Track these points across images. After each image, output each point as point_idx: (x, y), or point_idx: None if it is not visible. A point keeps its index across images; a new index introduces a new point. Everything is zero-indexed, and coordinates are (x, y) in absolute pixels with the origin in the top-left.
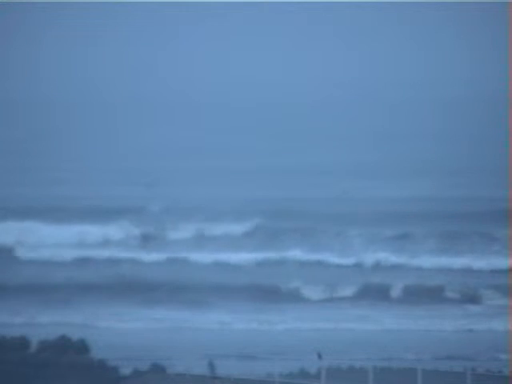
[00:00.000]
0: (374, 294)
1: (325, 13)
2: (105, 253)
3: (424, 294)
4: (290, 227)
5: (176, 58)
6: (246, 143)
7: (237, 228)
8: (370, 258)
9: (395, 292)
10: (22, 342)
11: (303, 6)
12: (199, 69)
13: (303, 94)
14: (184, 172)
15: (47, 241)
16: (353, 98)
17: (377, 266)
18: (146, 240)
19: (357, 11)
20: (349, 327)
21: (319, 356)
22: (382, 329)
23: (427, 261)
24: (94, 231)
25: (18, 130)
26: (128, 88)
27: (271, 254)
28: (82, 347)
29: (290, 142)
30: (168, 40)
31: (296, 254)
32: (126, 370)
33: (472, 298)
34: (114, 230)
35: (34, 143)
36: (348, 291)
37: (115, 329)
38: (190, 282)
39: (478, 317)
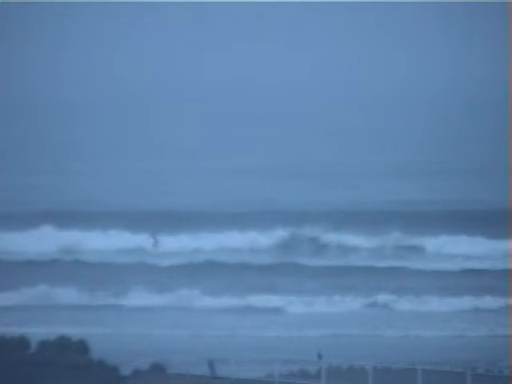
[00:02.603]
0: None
1: (326, 13)
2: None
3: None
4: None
5: (176, 58)
6: (245, 144)
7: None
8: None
9: None
10: (22, 342)
11: (304, 6)
12: (201, 69)
13: (304, 94)
14: (189, 172)
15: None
16: (353, 98)
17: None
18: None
19: (356, 11)
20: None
21: (319, 356)
22: None
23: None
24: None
25: (15, 131)
26: (127, 88)
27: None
28: (81, 347)
29: (291, 142)
30: (167, 40)
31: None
32: (125, 370)
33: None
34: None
35: (33, 144)
36: None
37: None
38: None
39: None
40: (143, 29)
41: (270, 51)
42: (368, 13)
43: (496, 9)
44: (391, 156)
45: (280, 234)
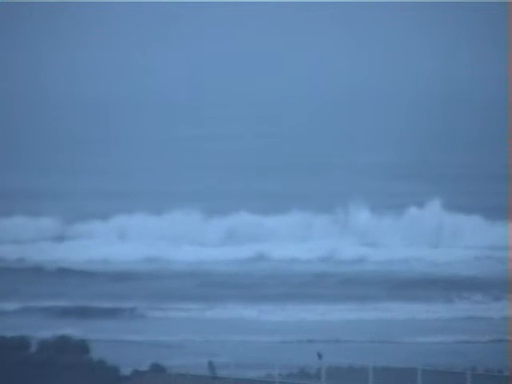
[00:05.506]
0: None
1: (329, 13)
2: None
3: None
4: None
5: (177, 57)
6: (245, 144)
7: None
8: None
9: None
10: (22, 342)
11: (307, 6)
12: (203, 69)
13: (305, 93)
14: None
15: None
16: (352, 98)
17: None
18: None
19: (356, 11)
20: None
21: (319, 356)
22: None
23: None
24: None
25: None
26: (124, 88)
27: None
28: (82, 347)
29: (291, 142)
30: (165, 40)
31: None
32: (126, 370)
33: None
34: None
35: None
36: None
37: None
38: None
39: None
40: (144, 29)
41: (268, 51)
42: (369, 13)
43: (496, 9)
44: (387, 157)
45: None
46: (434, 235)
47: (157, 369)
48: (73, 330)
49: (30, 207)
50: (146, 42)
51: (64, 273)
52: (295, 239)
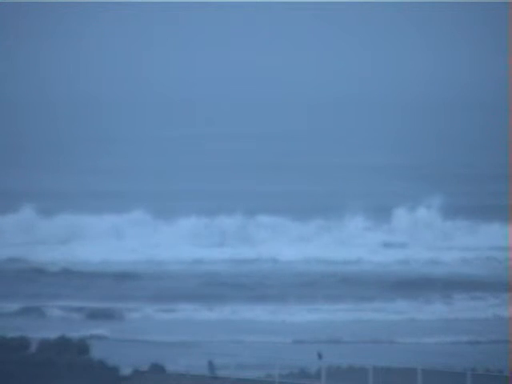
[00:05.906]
0: None
1: (329, 13)
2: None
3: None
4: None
5: (174, 58)
6: (245, 144)
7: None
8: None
9: None
10: (22, 342)
11: (307, 6)
12: (203, 69)
13: (305, 93)
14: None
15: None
16: (352, 99)
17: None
18: None
19: (356, 12)
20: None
21: (319, 356)
22: None
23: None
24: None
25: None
26: (124, 88)
27: None
28: (81, 347)
29: (292, 142)
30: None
31: None
32: (126, 370)
33: None
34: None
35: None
36: None
37: None
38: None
39: None
40: (144, 29)
41: (268, 52)
42: (368, 14)
43: (496, 9)
44: (387, 157)
45: None
46: (434, 235)
47: (157, 369)
48: (73, 330)
49: (29, 207)
50: (146, 42)
51: (64, 273)
52: (295, 239)
